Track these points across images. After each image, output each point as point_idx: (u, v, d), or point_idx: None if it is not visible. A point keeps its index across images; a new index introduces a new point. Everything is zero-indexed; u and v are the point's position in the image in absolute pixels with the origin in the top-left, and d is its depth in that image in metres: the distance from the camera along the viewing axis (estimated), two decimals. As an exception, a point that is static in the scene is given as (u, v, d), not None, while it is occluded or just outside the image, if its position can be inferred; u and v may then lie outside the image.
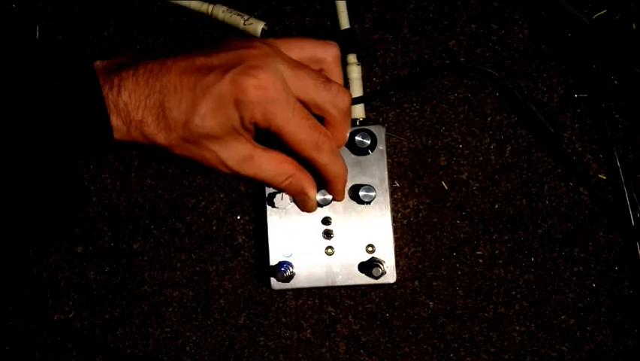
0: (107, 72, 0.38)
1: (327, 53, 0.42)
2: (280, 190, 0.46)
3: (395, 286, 0.54)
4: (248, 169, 0.41)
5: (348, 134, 0.43)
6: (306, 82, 0.39)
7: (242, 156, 0.40)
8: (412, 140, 0.54)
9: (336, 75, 0.42)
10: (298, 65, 0.40)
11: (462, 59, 0.55)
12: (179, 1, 0.56)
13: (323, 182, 0.44)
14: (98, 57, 0.39)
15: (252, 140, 0.40)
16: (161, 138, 0.39)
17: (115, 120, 0.38)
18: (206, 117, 0.38)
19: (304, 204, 0.46)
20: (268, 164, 0.41)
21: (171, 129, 0.38)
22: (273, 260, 0.50)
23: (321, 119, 0.41)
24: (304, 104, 0.39)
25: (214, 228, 0.56)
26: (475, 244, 0.54)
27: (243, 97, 0.37)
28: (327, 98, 0.40)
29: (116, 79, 0.38)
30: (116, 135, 0.39)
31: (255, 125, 0.39)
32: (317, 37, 0.56)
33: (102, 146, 0.39)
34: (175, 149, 0.39)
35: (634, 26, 0.51)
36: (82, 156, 0.40)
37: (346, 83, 0.53)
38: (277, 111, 0.38)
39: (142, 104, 0.38)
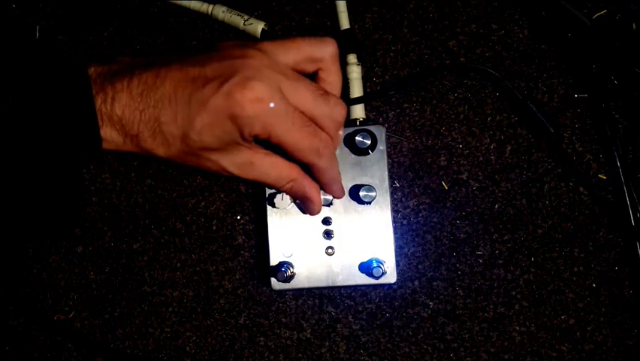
0: (101, 81, 0.37)
1: (324, 51, 0.41)
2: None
3: (395, 286, 0.54)
4: (249, 173, 0.40)
5: (339, 144, 0.43)
6: (304, 94, 0.38)
7: (243, 162, 0.39)
8: (412, 140, 0.54)
9: (335, 73, 0.42)
10: (295, 75, 0.39)
11: (462, 59, 0.55)
12: (179, 1, 0.56)
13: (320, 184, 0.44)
14: (94, 60, 0.38)
15: (252, 146, 0.40)
16: (160, 151, 0.38)
17: (109, 132, 0.37)
18: (203, 132, 0.37)
19: (307, 208, 0.46)
20: (269, 169, 0.41)
21: (170, 144, 0.38)
22: (274, 260, 0.50)
23: None
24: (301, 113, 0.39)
25: (214, 228, 0.56)
26: (475, 244, 0.54)
27: (240, 112, 0.36)
28: (325, 112, 0.39)
29: (110, 90, 0.37)
30: (110, 146, 0.38)
31: (255, 137, 0.38)
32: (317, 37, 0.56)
33: (90, 156, 0.38)
34: (175, 160, 0.39)
35: (634, 26, 0.51)
36: (69, 164, 0.40)
37: (346, 83, 0.53)
38: (277, 123, 0.37)
39: (137, 119, 0.37)
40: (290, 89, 0.38)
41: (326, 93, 0.39)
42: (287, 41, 0.40)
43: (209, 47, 0.39)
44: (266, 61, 0.38)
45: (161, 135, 0.37)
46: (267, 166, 0.40)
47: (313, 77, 0.41)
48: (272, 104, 0.36)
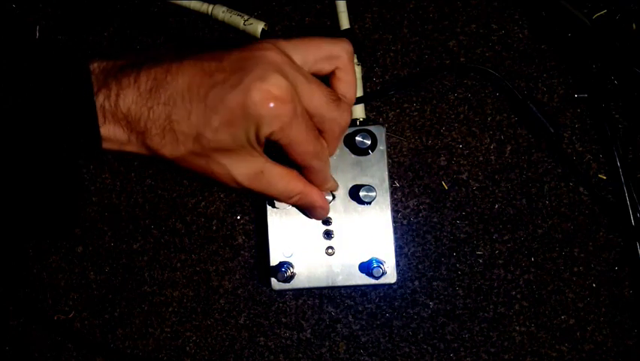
0: (104, 77, 0.36)
1: (342, 50, 0.41)
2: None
3: (395, 286, 0.54)
4: (257, 185, 0.39)
5: (340, 144, 0.44)
6: (319, 98, 0.38)
7: (253, 171, 0.38)
8: (412, 140, 0.54)
9: (352, 72, 0.42)
10: (311, 78, 0.38)
11: (462, 59, 0.55)
12: (179, 1, 0.56)
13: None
14: (97, 56, 0.37)
15: (262, 153, 0.39)
16: (166, 151, 0.36)
17: (112, 130, 0.36)
18: (220, 131, 0.35)
19: (313, 215, 0.46)
20: (278, 181, 0.40)
21: (179, 143, 0.36)
22: (274, 260, 0.50)
23: None
24: (309, 116, 0.39)
25: (214, 228, 0.56)
26: (475, 244, 0.54)
27: (261, 110, 0.35)
28: (335, 117, 0.39)
29: (115, 86, 0.35)
30: (113, 145, 0.36)
31: (269, 135, 0.37)
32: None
33: (89, 155, 0.36)
34: (181, 162, 0.37)
35: (634, 26, 0.51)
36: (70, 162, 0.38)
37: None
38: (293, 124, 0.36)
39: (144, 116, 0.35)
40: (306, 91, 0.37)
41: (338, 99, 0.40)
42: (305, 40, 0.40)
43: (223, 44, 0.38)
44: (285, 58, 0.37)
45: (171, 134, 0.36)
46: (276, 177, 0.39)
47: (326, 79, 0.41)
48: (291, 105, 0.36)
